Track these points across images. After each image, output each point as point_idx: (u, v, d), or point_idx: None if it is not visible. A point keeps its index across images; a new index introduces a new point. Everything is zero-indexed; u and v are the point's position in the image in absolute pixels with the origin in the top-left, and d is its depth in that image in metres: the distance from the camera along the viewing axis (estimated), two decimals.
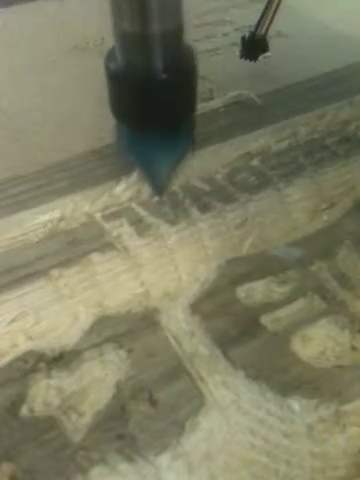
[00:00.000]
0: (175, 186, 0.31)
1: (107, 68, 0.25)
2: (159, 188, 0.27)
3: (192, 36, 0.45)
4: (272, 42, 0.44)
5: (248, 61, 0.41)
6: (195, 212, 0.29)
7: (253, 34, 0.40)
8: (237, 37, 0.45)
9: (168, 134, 0.26)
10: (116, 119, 0.26)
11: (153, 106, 0.25)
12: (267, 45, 0.40)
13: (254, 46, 0.40)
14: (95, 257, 0.27)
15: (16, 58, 0.46)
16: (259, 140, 0.33)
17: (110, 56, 0.25)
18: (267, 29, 0.39)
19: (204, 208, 0.29)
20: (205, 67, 0.39)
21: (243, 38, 0.40)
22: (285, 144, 0.33)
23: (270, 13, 0.38)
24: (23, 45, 0.48)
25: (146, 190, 0.30)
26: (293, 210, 0.29)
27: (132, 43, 0.24)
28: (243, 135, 0.34)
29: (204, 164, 0.32)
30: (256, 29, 0.39)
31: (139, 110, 0.25)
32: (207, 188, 0.30)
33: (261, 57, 0.43)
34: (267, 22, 0.39)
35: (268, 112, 0.36)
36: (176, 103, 0.25)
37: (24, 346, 0.24)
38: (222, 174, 0.31)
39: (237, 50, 0.44)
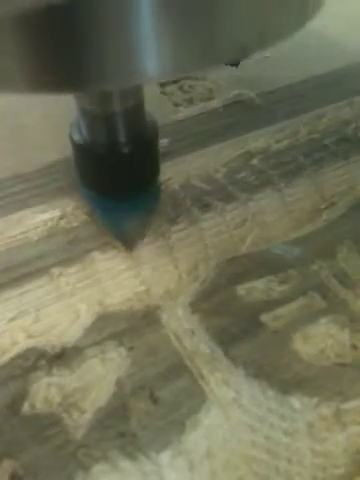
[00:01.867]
0: (175, 185, 0.31)
1: (71, 140, 0.26)
2: (128, 245, 0.27)
3: None
4: None
5: (247, 62, 0.41)
6: (195, 211, 0.29)
7: None
8: None
9: (132, 199, 0.27)
10: (82, 184, 0.27)
11: (116, 177, 0.26)
12: None
13: None
14: (96, 256, 0.27)
15: None
16: (259, 140, 0.33)
17: (74, 128, 0.26)
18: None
19: (204, 207, 0.29)
20: None
21: None
22: (285, 144, 0.33)
23: None
24: None
25: None
26: (293, 209, 0.29)
27: (93, 120, 0.25)
28: (243, 135, 0.34)
29: (204, 163, 0.32)
30: None
31: (103, 181, 0.26)
32: (207, 187, 0.30)
33: (261, 58, 0.43)
34: None
35: (268, 112, 0.36)
36: (139, 173, 0.26)
37: (24, 343, 0.24)
38: (222, 173, 0.31)
39: None
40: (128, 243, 0.27)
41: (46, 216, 0.29)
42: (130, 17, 0.15)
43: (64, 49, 0.15)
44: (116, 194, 0.26)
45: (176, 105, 0.38)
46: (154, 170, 0.27)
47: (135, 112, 0.25)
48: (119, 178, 0.26)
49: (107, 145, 0.25)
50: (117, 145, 0.25)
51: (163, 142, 0.32)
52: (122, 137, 0.25)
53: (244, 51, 0.17)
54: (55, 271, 0.26)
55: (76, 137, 0.26)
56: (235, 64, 0.39)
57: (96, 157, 0.25)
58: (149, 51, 0.16)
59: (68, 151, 0.34)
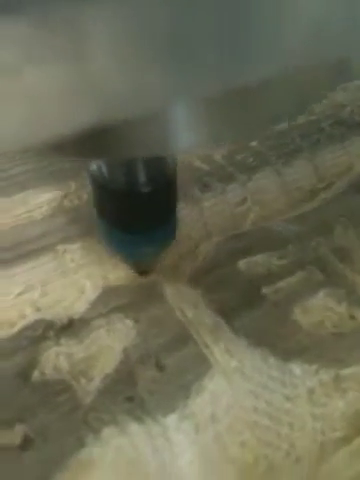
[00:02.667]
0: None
1: (90, 174, 0.25)
2: (142, 273, 0.27)
3: None
4: None
5: None
6: (196, 191, 0.30)
7: None
8: None
9: (148, 234, 0.26)
10: (98, 217, 0.27)
11: (134, 214, 0.26)
12: None
13: None
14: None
15: None
16: None
17: (94, 163, 0.25)
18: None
19: (205, 188, 0.30)
20: None
21: None
22: (282, 126, 0.34)
23: None
24: None
25: None
26: (291, 189, 0.30)
27: (115, 161, 0.24)
28: None
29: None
30: None
31: (120, 217, 0.26)
32: (207, 168, 0.31)
33: None
34: None
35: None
36: (157, 211, 0.26)
37: (32, 317, 0.24)
38: (221, 155, 0.32)
39: None
40: (141, 272, 0.27)
41: (50, 196, 0.30)
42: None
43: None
44: (132, 230, 0.26)
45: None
46: (172, 208, 0.27)
47: (155, 158, 0.25)
48: (137, 215, 0.26)
49: (126, 183, 0.25)
50: (136, 184, 0.25)
51: None
52: (142, 176, 0.25)
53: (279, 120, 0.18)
54: (60, 248, 0.27)
55: (95, 173, 0.25)
56: None
57: (115, 194, 0.25)
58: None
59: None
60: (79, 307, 0.25)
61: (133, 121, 0.15)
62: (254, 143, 0.33)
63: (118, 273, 0.26)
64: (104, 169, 0.25)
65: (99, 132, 0.15)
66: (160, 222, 0.26)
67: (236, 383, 0.22)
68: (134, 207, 0.25)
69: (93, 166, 0.25)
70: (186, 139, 0.16)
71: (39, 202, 0.29)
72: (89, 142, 0.16)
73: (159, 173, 0.25)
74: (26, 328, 0.24)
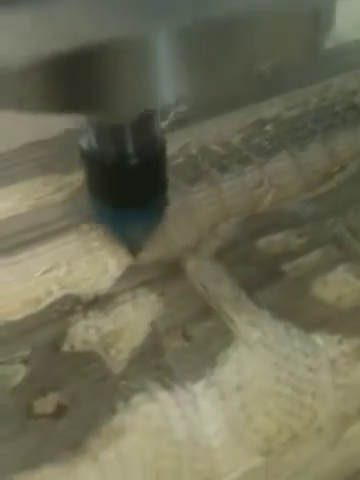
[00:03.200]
0: (194, 150, 0.32)
1: (80, 149, 0.26)
2: (134, 252, 0.28)
3: None
4: None
5: None
6: (214, 173, 0.30)
7: None
8: None
9: (139, 209, 0.27)
10: (89, 192, 0.27)
11: (123, 188, 0.26)
12: None
13: None
14: None
15: None
16: (271, 108, 0.35)
17: (83, 138, 0.26)
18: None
19: (222, 169, 0.31)
20: None
21: None
22: (296, 112, 0.34)
23: None
24: None
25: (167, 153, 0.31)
26: (307, 172, 0.31)
27: (103, 131, 0.25)
28: (255, 104, 0.35)
29: (219, 130, 0.33)
30: None
31: (110, 191, 0.26)
32: (224, 152, 0.32)
33: None
34: None
35: (278, 83, 0.37)
36: (146, 185, 0.26)
37: (59, 293, 0.25)
38: (238, 139, 0.33)
39: None
40: (133, 249, 0.28)
41: (70, 178, 0.30)
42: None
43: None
44: (123, 204, 0.27)
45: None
46: (161, 182, 0.27)
47: (145, 124, 0.25)
48: (126, 189, 0.26)
49: (115, 156, 0.25)
50: (125, 157, 0.25)
51: (180, 108, 0.33)
52: (130, 150, 0.25)
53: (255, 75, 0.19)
54: (85, 227, 0.28)
55: (85, 147, 0.26)
56: None
57: (104, 168, 0.26)
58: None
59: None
60: (104, 283, 0.25)
61: (116, 73, 0.16)
62: (269, 127, 0.33)
63: (142, 251, 0.27)
64: (93, 143, 0.25)
65: (84, 84, 0.16)
66: (149, 197, 0.27)
67: (259, 354, 0.23)
68: (123, 180, 0.26)
69: (83, 141, 0.26)
70: (169, 90, 0.17)
71: (60, 185, 0.30)
72: (75, 95, 0.16)
73: (148, 146, 0.25)
74: (54, 303, 0.25)
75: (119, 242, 0.28)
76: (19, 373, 0.22)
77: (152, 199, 0.27)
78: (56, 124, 0.35)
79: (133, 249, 0.28)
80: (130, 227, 0.27)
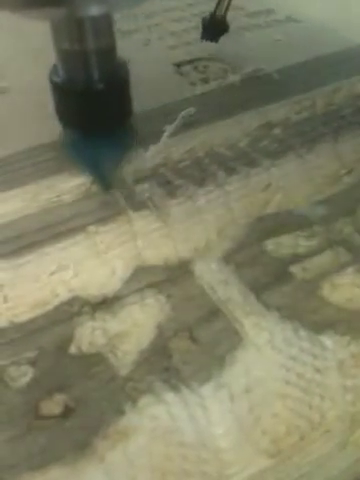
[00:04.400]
0: (200, 152, 0.32)
1: (51, 81, 0.29)
2: (105, 185, 0.29)
3: None
4: (283, 26, 0.46)
5: (260, 44, 0.43)
6: (222, 175, 0.30)
7: (213, 15, 0.39)
8: (246, 22, 0.47)
9: (109, 137, 0.30)
10: (62, 125, 0.30)
11: (93, 113, 0.29)
12: (227, 26, 0.40)
13: (214, 27, 0.40)
14: (129, 215, 0.28)
15: (36, 39, 0.47)
16: (279, 111, 0.35)
17: (53, 70, 0.29)
18: (226, 9, 0.39)
19: (230, 172, 0.30)
20: (218, 49, 0.40)
21: (203, 19, 0.40)
22: (304, 115, 0.34)
23: None
24: (41, 27, 0.50)
25: (174, 155, 0.31)
26: (315, 175, 0.31)
27: (70, 59, 0.28)
28: (262, 107, 0.35)
29: (227, 133, 0.33)
30: (215, 10, 0.39)
31: (81, 117, 0.29)
32: (232, 154, 0.32)
33: (272, 39, 0.44)
34: (226, 2, 0.39)
35: (285, 86, 0.37)
36: (113, 109, 0.29)
37: (66, 295, 0.25)
38: (245, 142, 0.33)
39: (247, 34, 0.45)
40: (103, 184, 0.30)
41: (78, 181, 0.30)
42: None
43: None
44: (90, 131, 0.29)
45: (192, 84, 0.40)
46: (127, 107, 0.30)
47: (108, 51, 0.28)
48: (94, 114, 0.29)
49: (82, 82, 0.28)
50: (92, 82, 0.28)
51: (190, 111, 0.33)
52: (96, 74, 0.28)
53: None
54: (91, 229, 0.28)
55: (55, 78, 0.29)
56: (215, 39, 0.40)
57: (72, 93, 0.28)
58: None
59: None
60: (112, 285, 0.25)
61: None
62: (277, 130, 0.33)
63: (148, 254, 0.27)
64: (62, 72, 0.29)
65: None
66: (117, 122, 0.30)
67: (267, 356, 0.23)
68: (90, 105, 0.29)
69: (53, 73, 0.29)
70: None
71: (68, 187, 0.30)
72: None
73: (112, 72, 0.29)
74: (61, 305, 0.25)
75: (90, 175, 0.30)
76: (26, 374, 0.22)
77: (119, 127, 0.30)
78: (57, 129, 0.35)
79: (104, 185, 0.30)
80: (100, 156, 0.30)
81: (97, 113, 0.29)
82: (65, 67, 0.29)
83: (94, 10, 0.24)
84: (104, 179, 0.30)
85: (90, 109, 0.29)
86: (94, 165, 0.30)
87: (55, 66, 0.30)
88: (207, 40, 0.40)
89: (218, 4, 0.39)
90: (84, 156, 0.30)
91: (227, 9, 0.39)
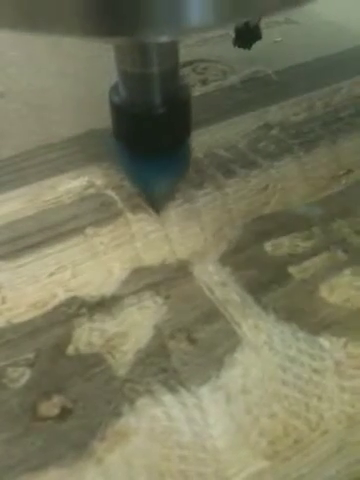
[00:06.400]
0: (199, 154, 0.32)
1: (110, 102, 0.28)
2: (156, 207, 0.29)
3: None
4: (282, 28, 0.46)
5: (258, 45, 0.43)
6: (220, 177, 0.30)
7: (246, 23, 0.39)
8: None
9: (165, 159, 0.28)
10: (117, 141, 0.29)
11: (150, 136, 0.28)
12: (260, 33, 0.40)
13: (247, 34, 0.40)
14: (127, 217, 0.28)
15: (34, 43, 0.47)
16: (277, 112, 0.35)
17: (114, 89, 0.28)
18: (260, 17, 0.39)
19: (228, 173, 0.31)
20: (218, 50, 0.40)
21: (236, 26, 0.40)
22: (302, 116, 0.35)
23: None
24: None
25: None
26: (313, 176, 0.31)
27: (132, 81, 0.26)
28: (261, 108, 0.35)
29: (225, 135, 0.33)
30: None
31: (137, 141, 0.28)
32: (230, 156, 0.32)
33: (271, 40, 0.44)
34: None
35: (284, 88, 0.37)
36: (172, 132, 0.28)
37: (64, 296, 0.25)
38: (243, 143, 0.33)
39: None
40: (157, 205, 0.29)
41: (78, 182, 0.30)
42: None
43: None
44: (149, 155, 0.28)
45: (191, 86, 0.40)
46: (186, 131, 0.29)
47: (171, 74, 0.26)
48: (153, 138, 0.27)
49: (143, 105, 0.27)
50: (153, 106, 0.27)
51: None
52: (158, 98, 0.27)
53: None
54: (89, 231, 0.28)
55: (115, 99, 0.27)
56: (248, 46, 0.40)
57: (132, 116, 0.27)
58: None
59: (90, 126, 0.35)
60: (110, 286, 0.25)
61: None
62: (275, 132, 0.33)
63: (146, 256, 0.27)
64: (123, 93, 0.27)
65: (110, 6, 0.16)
66: (174, 147, 0.28)
67: (265, 357, 0.23)
68: (150, 129, 0.27)
69: (113, 93, 0.27)
70: (196, 18, 0.18)
71: (67, 188, 0.30)
72: (100, 17, 0.17)
73: (174, 95, 0.27)
74: (60, 306, 0.25)
75: (143, 198, 0.29)
76: (24, 376, 0.22)
77: (177, 149, 0.28)
78: (65, 128, 0.35)
79: (157, 206, 0.29)
80: (155, 180, 0.29)
81: (154, 137, 0.28)
82: (126, 89, 0.27)
83: (164, 38, 0.23)
84: (155, 202, 0.29)
85: (148, 133, 0.28)
86: (147, 187, 0.29)
87: (115, 86, 0.28)
88: (240, 47, 0.40)
89: None
90: (138, 176, 0.30)
91: (261, 17, 0.38)
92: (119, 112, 0.28)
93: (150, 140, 0.28)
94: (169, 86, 0.27)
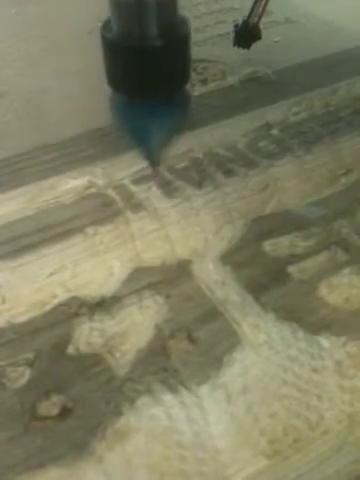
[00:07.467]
0: (199, 154, 0.32)
1: (103, 37, 0.25)
2: (154, 159, 0.27)
3: (203, 22, 0.46)
4: (281, 28, 0.46)
5: (257, 45, 0.43)
6: (220, 177, 0.30)
7: (246, 22, 0.39)
8: None
9: (163, 105, 0.26)
10: (112, 89, 0.26)
11: (148, 74, 0.25)
12: (260, 33, 0.39)
13: (247, 34, 0.40)
14: (127, 216, 0.28)
15: (32, 44, 0.47)
16: (277, 112, 0.35)
17: (106, 26, 0.25)
18: (260, 17, 0.38)
19: (228, 173, 0.31)
20: (217, 50, 0.40)
21: (236, 26, 0.39)
22: (302, 116, 0.35)
23: (263, 1, 0.38)
24: (37, 32, 0.50)
25: (172, 156, 0.31)
26: (313, 175, 0.31)
27: (127, 12, 0.24)
28: (261, 108, 0.35)
29: (225, 135, 0.33)
30: (249, 17, 0.39)
31: (134, 78, 0.25)
32: (230, 155, 0.32)
33: (271, 41, 0.44)
34: (260, 10, 0.38)
35: (283, 87, 0.37)
36: (171, 70, 0.25)
37: (64, 296, 0.25)
38: (243, 143, 0.33)
39: None
40: (154, 158, 0.28)
41: (77, 182, 0.30)
42: None
43: None
44: (145, 95, 0.26)
45: (191, 85, 0.40)
46: (185, 72, 0.26)
47: (168, 5, 0.24)
48: (149, 75, 0.25)
49: (138, 38, 0.24)
50: (148, 38, 0.24)
51: None
52: (153, 30, 0.24)
53: None
54: (89, 230, 0.28)
55: (107, 34, 0.25)
56: (247, 46, 0.40)
57: (127, 51, 0.25)
58: None
59: (87, 126, 0.35)
60: (110, 286, 0.25)
61: None
62: (275, 131, 0.33)
63: (146, 255, 0.27)
64: (116, 27, 0.24)
65: None
66: (172, 90, 0.26)
67: (265, 356, 0.23)
68: (145, 64, 0.24)
69: (105, 29, 0.25)
70: None
71: (67, 188, 0.30)
72: None
73: (171, 28, 0.25)
74: (60, 306, 0.25)
75: (139, 152, 0.27)
76: (24, 375, 0.22)
77: (176, 90, 0.26)
78: (64, 129, 0.35)
79: (152, 159, 0.27)
80: (152, 128, 0.26)
81: (150, 75, 0.25)
82: (119, 21, 0.24)
83: None
84: (154, 155, 0.27)
85: (144, 69, 0.25)
86: (145, 139, 0.27)
87: (107, 22, 0.25)
88: (239, 47, 0.40)
89: (251, 11, 0.38)
90: (135, 127, 0.27)
91: (261, 17, 0.38)
92: (113, 49, 0.25)
93: (147, 80, 0.25)
94: (166, 18, 0.24)
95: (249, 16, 0.39)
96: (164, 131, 0.27)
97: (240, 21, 0.39)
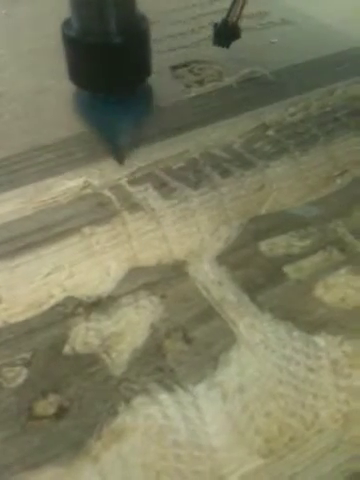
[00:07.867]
0: (195, 154, 0.32)
1: (64, 35, 0.26)
2: (120, 154, 0.28)
3: (198, 23, 0.47)
4: (277, 29, 0.46)
5: (254, 46, 0.43)
6: (216, 177, 0.31)
7: (225, 21, 0.39)
8: (241, 24, 0.47)
9: (126, 99, 0.27)
10: (75, 85, 0.27)
11: (108, 69, 0.26)
12: (239, 32, 0.39)
13: (226, 33, 0.39)
14: (124, 217, 0.28)
15: (23, 44, 0.47)
16: (273, 113, 0.35)
17: (67, 24, 0.27)
18: (239, 16, 0.38)
19: (224, 173, 0.31)
20: (213, 51, 0.41)
21: (215, 25, 0.39)
22: (298, 116, 0.35)
23: (241, 1, 0.37)
24: (28, 33, 0.50)
25: (169, 157, 0.32)
26: (308, 176, 0.31)
27: (87, 10, 0.25)
28: (257, 108, 0.35)
29: (221, 135, 0.33)
30: (227, 16, 0.38)
31: (95, 74, 0.27)
32: (226, 156, 0.32)
33: (267, 42, 0.45)
34: (238, 9, 0.38)
35: (280, 88, 0.37)
36: (130, 66, 0.27)
37: (61, 296, 0.25)
38: (239, 143, 0.33)
39: (242, 36, 0.45)
40: (120, 153, 0.28)
41: (75, 182, 0.31)
42: None
43: None
44: (108, 91, 0.27)
45: (188, 86, 0.40)
46: (146, 70, 0.27)
47: (126, 4, 0.26)
48: (111, 70, 0.26)
49: (99, 35, 0.26)
50: (109, 34, 0.26)
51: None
52: (114, 27, 0.26)
53: None
54: (86, 230, 0.28)
55: (69, 32, 0.26)
56: (226, 44, 0.40)
57: (88, 48, 0.26)
58: None
59: (84, 127, 0.35)
60: (106, 286, 0.25)
61: None
62: (271, 132, 0.33)
63: (143, 255, 0.27)
64: (77, 24, 0.26)
65: None
66: (135, 82, 0.27)
67: (261, 355, 0.23)
68: (107, 60, 0.26)
69: (66, 27, 0.26)
70: None
71: (63, 189, 0.30)
72: None
73: (130, 25, 0.26)
74: (56, 306, 0.25)
75: (106, 146, 0.27)
76: (20, 375, 0.22)
77: (137, 85, 0.27)
78: (61, 129, 0.35)
79: (120, 153, 0.28)
80: (116, 122, 0.27)
81: (112, 70, 0.26)
82: (80, 18, 0.26)
83: None
84: (119, 149, 0.28)
85: (106, 65, 0.26)
86: (111, 134, 0.28)
87: (68, 20, 0.27)
88: (218, 46, 0.40)
89: (230, 10, 0.38)
90: (100, 123, 0.28)
91: (240, 15, 0.38)
92: (74, 46, 0.26)
93: (109, 76, 0.26)
94: (125, 15, 0.26)
95: (228, 15, 0.38)
96: (128, 125, 0.28)
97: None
